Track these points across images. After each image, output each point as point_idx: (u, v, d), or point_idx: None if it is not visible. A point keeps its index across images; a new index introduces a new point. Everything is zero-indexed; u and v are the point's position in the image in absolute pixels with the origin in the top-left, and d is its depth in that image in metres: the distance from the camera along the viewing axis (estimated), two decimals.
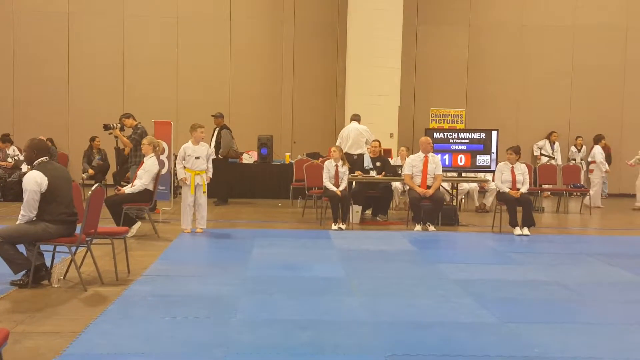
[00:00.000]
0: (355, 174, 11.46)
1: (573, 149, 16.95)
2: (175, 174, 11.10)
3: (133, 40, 16.72)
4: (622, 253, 9.07)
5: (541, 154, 16.69)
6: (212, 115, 13.78)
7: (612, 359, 4.69)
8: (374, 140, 12.16)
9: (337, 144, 12.40)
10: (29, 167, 6.59)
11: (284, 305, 5.93)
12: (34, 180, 6.20)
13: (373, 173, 11.58)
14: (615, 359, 4.68)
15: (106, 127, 11.45)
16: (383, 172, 11.58)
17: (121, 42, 16.73)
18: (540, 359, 4.66)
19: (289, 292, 6.39)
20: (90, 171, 14.58)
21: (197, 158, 9.95)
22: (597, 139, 15.44)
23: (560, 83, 17.21)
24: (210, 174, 10.15)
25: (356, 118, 12.95)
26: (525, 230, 10.33)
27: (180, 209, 10.06)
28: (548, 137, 16.71)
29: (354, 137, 12.50)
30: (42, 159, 6.39)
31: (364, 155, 12.17)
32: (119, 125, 11.44)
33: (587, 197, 14.31)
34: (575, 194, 14.90)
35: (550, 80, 17.16)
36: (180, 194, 10.34)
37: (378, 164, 11.81)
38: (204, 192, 9.98)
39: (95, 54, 16.62)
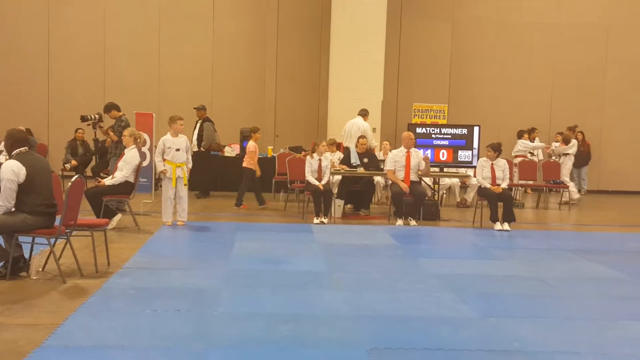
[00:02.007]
0: (338, 169, 11.47)
1: (554, 144, 17.00)
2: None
3: (114, 30, 16.56)
4: (601, 249, 9.16)
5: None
6: (194, 108, 13.70)
7: (590, 353, 4.73)
8: (360, 137, 12.12)
9: (342, 135, 12.79)
10: (6, 157, 6.51)
11: (265, 299, 5.92)
12: (11, 170, 6.12)
13: (360, 169, 11.58)
14: (593, 354, 4.72)
15: (84, 119, 11.31)
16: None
17: (102, 33, 16.57)
18: (519, 353, 4.70)
19: (271, 286, 6.37)
20: (73, 162, 14.44)
21: (178, 150, 9.88)
22: (520, 134, 15.53)
23: (541, 80, 17.32)
24: (190, 166, 10.11)
25: (362, 113, 13.07)
26: (506, 226, 10.38)
27: (161, 202, 10.00)
28: (519, 136, 16.31)
29: (354, 132, 12.60)
30: (21, 149, 6.32)
31: (350, 151, 12.14)
32: (97, 116, 11.30)
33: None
34: (555, 190, 14.98)
35: (532, 76, 17.27)
36: (161, 186, 10.27)
37: (365, 159, 11.81)
38: (185, 185, 9.94)
39: (75, 45, 16.45)
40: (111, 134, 10.96)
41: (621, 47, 17.25)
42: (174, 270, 7.00)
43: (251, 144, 12.38)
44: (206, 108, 13.87)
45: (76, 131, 14.73)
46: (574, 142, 15.07)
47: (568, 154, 14.86)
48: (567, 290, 6.63)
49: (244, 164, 12.37)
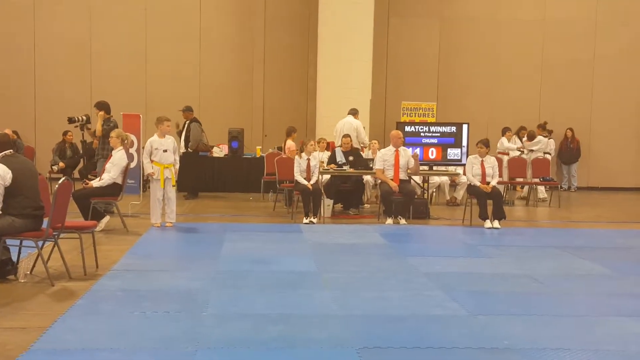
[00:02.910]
0: (326, 168, 11.46)
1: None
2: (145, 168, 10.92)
3: (100, 31, 16.46)
4: (590, 246, 9.19)
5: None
6: (180, 110, 13.60)
7: (580, 350, 4.74)
8: (344, 136, 12.10)
9: (334, 135, 12.85)
10: None
11: (255, 299, 5.90)
12: None
13: (346, 167, 11.57)
14: (583, 351, 4.73)
15: (71, 120, 11.21)
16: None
17: (88, 33, 16.47)
18: (509, 350, 4.70)
19: (260, 286, 6.36)
20: (61, 164, 14.35)
21: (165, 151, 9.84)
22: (504, 131, 15.54)
23: (530, 76, 17.36)
24: (177, 166, 10.06)
25: (352, 112, 13.09)
26: (496, 223, 10.40)
27: (150, 203, 9.95)
28: (503, 134, 16.19)
29: (346, 130, 12.60)
30: (5, 152, 6.28)
31: (335, 150, 12.14)
32: (84, 117, 11.20)
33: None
34: (545, 187, 15.00)
35: (520, 73, 17.30)
36: (149, 187, 10.22)
37: (350, 158, 11.80)
38: (174, 186, 9.89)
39: (61, 46, 16.35)
40: (99, 128, 10.73)
41: (609, 42, 17.30)
42: (163, 271, 6.97)
43: (290, 144, 12.62)
44: (192, 109, 13.79)
45: (65, 134, 14.64)
46: (539, 138, 15.09)
47: (533, 150, 14.90)
48: (556, 287, 6.64)
49: None
